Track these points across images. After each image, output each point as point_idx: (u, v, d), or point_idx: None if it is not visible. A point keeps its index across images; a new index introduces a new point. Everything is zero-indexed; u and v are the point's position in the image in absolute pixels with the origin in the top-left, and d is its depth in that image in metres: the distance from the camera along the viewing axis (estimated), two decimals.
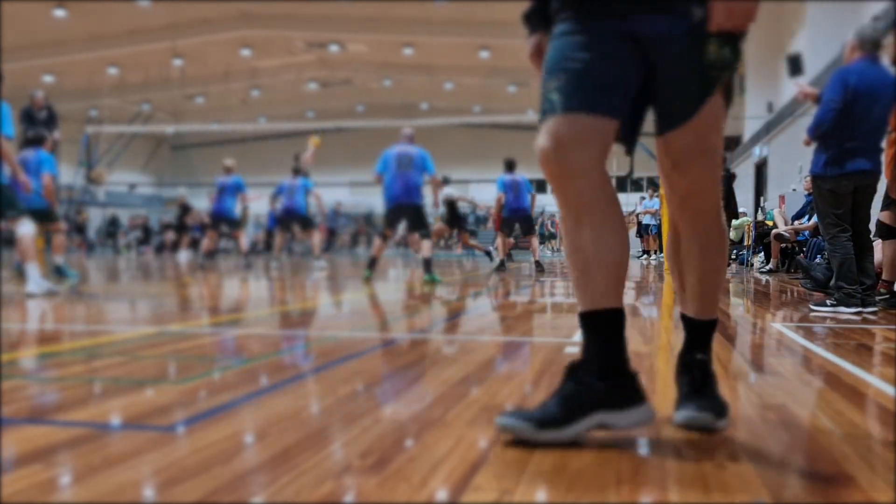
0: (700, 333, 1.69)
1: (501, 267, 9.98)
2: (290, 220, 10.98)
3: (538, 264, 9.75)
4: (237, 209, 11.16)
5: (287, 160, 13.28)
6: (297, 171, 10.90)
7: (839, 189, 4.48)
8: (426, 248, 7.32)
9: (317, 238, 11.19)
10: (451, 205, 12.10)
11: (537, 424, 1.47)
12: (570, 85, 1.48)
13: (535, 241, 10.40)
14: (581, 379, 1.51)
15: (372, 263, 7.54)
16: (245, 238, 11.68)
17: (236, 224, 11.19)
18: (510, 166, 10.22)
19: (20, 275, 7.38)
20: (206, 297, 5.85)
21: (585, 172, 1.48)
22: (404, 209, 7.33)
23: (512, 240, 12.02)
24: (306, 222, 11.07)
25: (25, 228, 5.24)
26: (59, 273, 7.64)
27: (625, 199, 24.69)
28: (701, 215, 1.60)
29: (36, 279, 5.23)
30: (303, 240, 13.33)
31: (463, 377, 2.22)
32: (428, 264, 7.20)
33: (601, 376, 1.50)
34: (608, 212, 1.51)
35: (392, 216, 7.44)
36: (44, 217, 7.64)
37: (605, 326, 1.54)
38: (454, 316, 4.43)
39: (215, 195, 10.88)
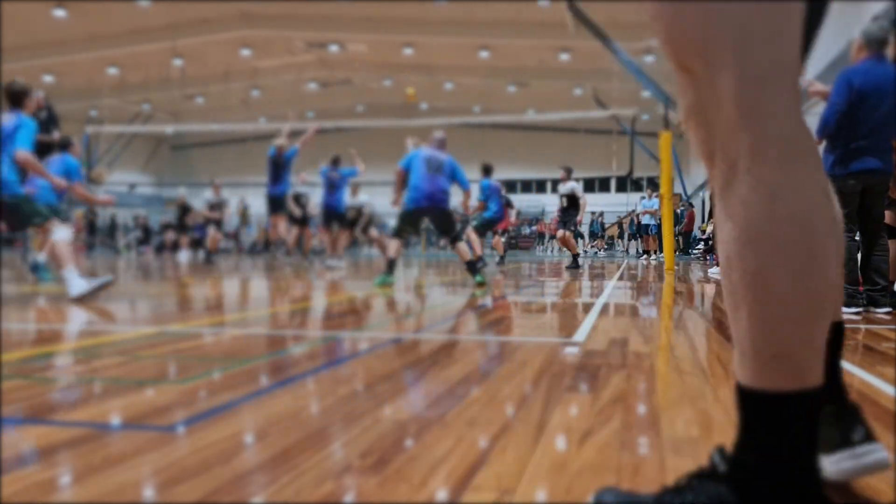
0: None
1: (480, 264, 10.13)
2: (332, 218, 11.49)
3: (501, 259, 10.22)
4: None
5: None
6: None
7: (846, 189, 4.48)
8: (463, 250, 6.82)
9: (344, 238, 11.59)
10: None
11: None
12: None
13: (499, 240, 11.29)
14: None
15: (391, 267, 6.77)
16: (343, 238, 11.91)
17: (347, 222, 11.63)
18: (488, 171, 10.74)
19: (35, 274, 7.32)
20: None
21: None
22: (428, 212, 6.85)
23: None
24: (343, 221, 11.49)
25: (60, 234, 5.15)
26: (33, 270, 7.35)
27: (625, 199, 24.74)
28: None
29: (76, 282, 5.05)
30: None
31: (463, 377, 2.22)
32: (472, 266, 6.74)
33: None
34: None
35: (413, 218, 6.88)
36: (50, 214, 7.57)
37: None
38: (454, 316, 4.43)
39: (326, 189, 11.14)
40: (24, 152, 5.12)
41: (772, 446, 0.89)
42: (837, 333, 1.11)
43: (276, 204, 11.36)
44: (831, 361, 1.09)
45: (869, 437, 1.13)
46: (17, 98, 5.41)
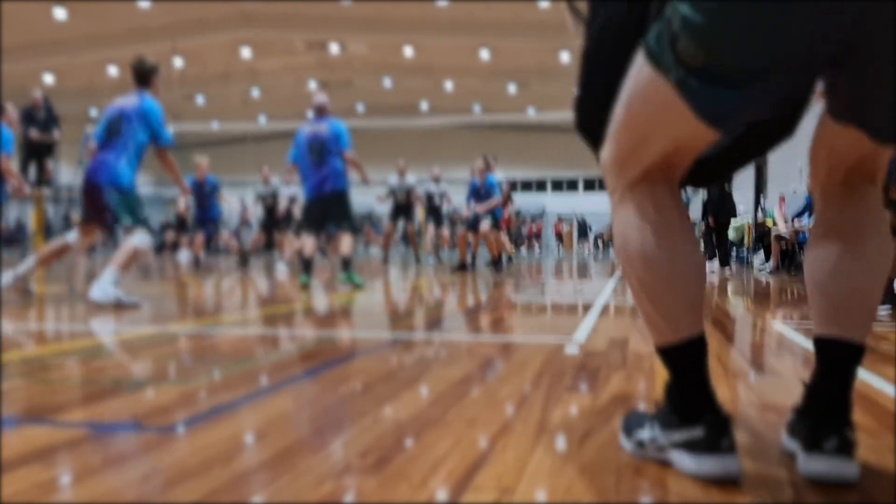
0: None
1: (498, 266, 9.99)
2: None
3: (499, 262, 9.89)
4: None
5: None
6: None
7: None
8: (347, 243, 6.27)
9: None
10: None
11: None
12: None
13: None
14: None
15: (307, 266, 6.21)
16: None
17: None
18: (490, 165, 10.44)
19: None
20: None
21: None
22: (322, 204, 6.23)
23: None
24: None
25: (138, 240, 4.78)
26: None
27: None
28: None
29: (103, 285, 4.54)
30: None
31: (463, 377, 2.22)
32: (348, 264, 6.21)
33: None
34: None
35: (310, 212, 6.33)
36: None
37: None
38: (453, 316, 4.43)
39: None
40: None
41: (673, 381, 1.31)
42: (838, 350, 1.29)
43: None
44: (835, 377, 1.29)
45: (839, 449, 1.22)
46: (145, 76, 4.87)
